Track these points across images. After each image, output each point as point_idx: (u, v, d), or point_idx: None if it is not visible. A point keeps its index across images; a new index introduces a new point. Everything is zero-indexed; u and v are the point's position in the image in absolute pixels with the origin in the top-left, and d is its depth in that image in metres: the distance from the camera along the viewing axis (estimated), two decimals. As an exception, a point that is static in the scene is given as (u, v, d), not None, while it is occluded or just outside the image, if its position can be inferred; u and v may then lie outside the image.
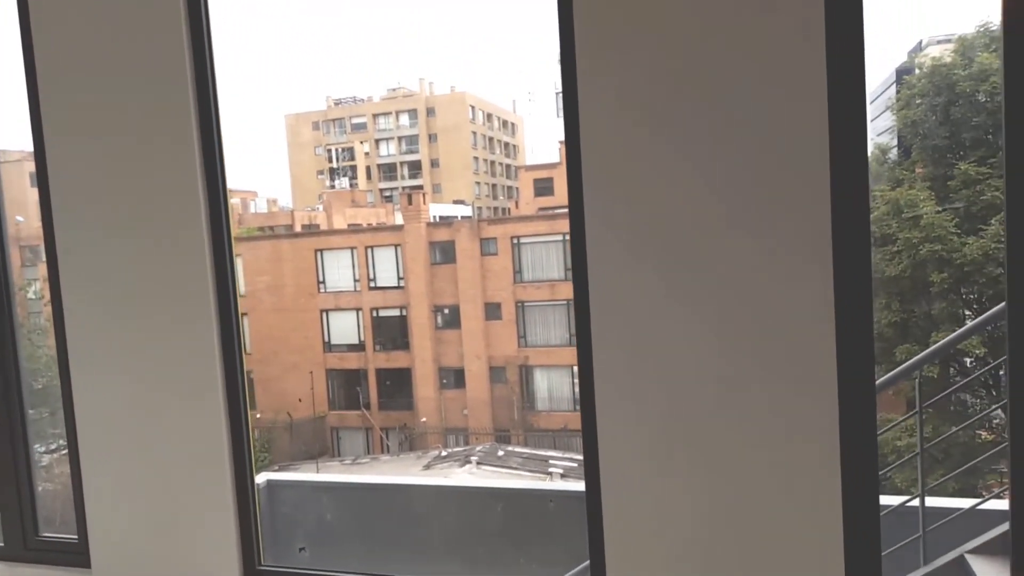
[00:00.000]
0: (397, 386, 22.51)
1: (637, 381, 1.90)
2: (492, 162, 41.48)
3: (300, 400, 20.88)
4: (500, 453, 15.10)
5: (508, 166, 42.00)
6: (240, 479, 2.43)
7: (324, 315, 22.84)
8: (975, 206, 12.69)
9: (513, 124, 43.73)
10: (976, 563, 2.90)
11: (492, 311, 21.42)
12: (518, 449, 16.24)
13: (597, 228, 1.90)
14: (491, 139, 41.78)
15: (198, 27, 2.29)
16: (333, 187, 39.52)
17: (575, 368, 2.05)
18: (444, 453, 16.70)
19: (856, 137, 1.78)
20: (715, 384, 1.84)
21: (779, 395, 1.81)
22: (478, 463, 13.41)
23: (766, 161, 1.77)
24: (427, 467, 14.59)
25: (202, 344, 2.35)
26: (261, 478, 5.77)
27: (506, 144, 42.97)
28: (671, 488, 1.91)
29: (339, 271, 22.80)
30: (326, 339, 22.99)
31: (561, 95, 1.98)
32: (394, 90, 41.73)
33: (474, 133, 40.60)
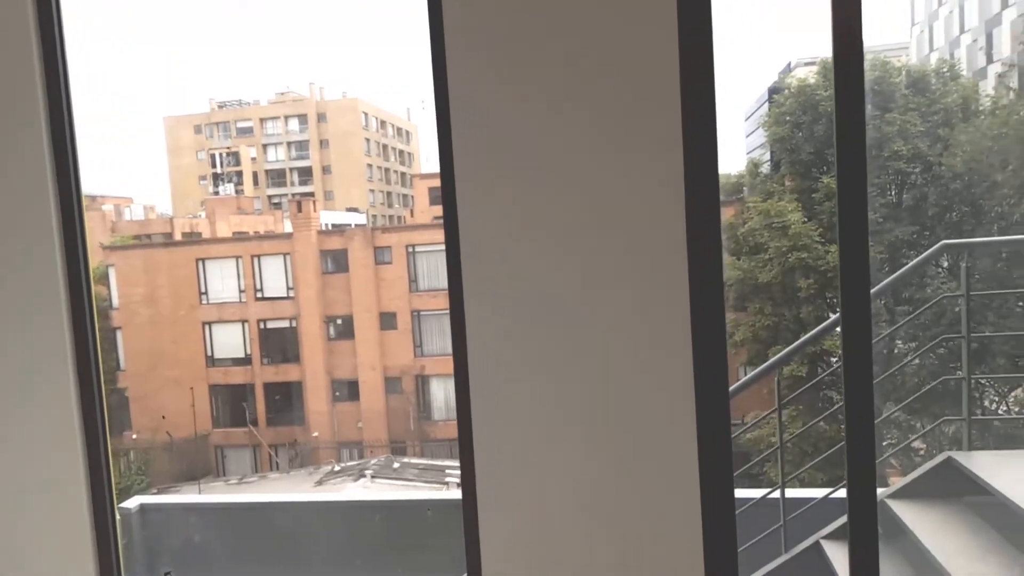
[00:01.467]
0: (287, 400, 21.74)
1: (512, 387, 1.94)
2: (387, 169, 40.95)
3: (164, 417, 19.70)
4: (396, 465, 14.90)
5: (403, 174, 41.63)
6: (99, 505, 2.28)
7: (206, 328, 21.75)
8: (836, 217, 13.71)
9: (408, 132, 43.41)
10: (830, 548, 3.14)
11: (387, 321, 21.10)
12: (415, 460, 16.08)
13: (470, 241, 1.92)
14: (385, 146, 41.25)
15: (48, 23, 2.16)
16: (217, 193, 37.80)
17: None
18: (337, 468, 16.30)
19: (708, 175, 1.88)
20: (585, 385, 1.90)
21: (641, 394, 1.88)
22: (373, 477, 13.18)
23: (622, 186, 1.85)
24: (319, 483, 14.20)
25: (53, 360, 2.20)
26: (134, 502, 5.44)
27: (401, 152, 42.59)
28: (546, 491, 1.95)
29: (223, 281, 21.80)
30: (209, 353, 21.89)
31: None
32: (282, 94, 40.47)
33: (368, 140, 39.96)
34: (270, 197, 39.05)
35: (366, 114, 39.94)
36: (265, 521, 4.84)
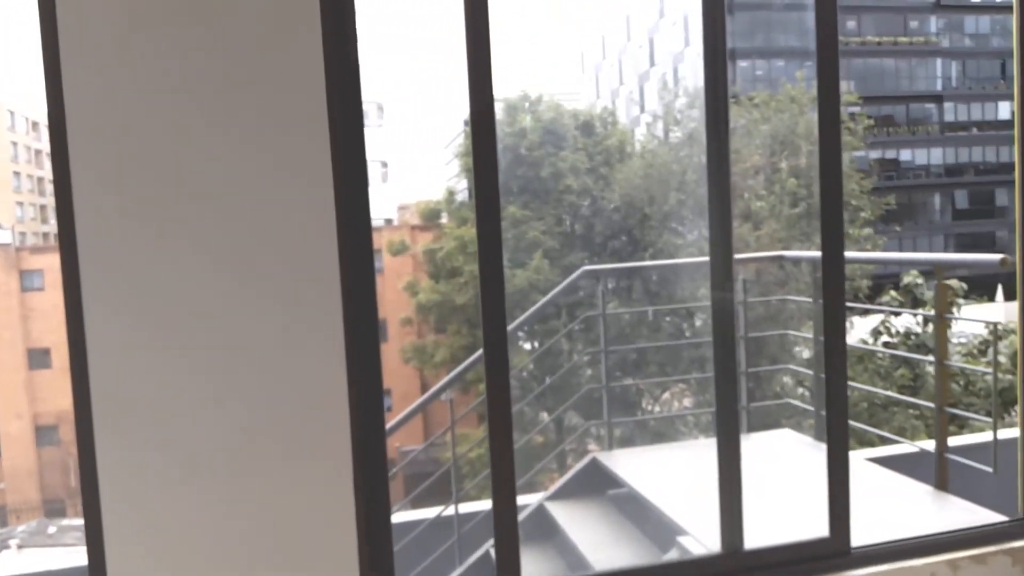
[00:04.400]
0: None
1: (144, 427, 1.80)
2: (41, 179, 34.70)
3: None
4: (52, 530, 12.72)
5: (64, 185, 35.65)
6: None
7: None
8: (522, 242, 15.10)
9: (70, 137, 37.31)
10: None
11: (38, 358, 17.90)
12: (77, 522, 13.89)
13: (94, 268, 1.75)
14: (39, 152, 34.93)
15: None
16: None
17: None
18: (-31, 542, 13.44)
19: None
20: (223, 409, 1.82)
21: (292, 416, 1.85)
22: (21, 546, 11.08)
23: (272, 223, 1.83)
24: (-58, 564, 11.56)
25: None
26: None
27: (62, 160, 36.44)
28: (181, 522, 1.83)
29: None
30: None
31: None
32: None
33: (14, 144, 33.66)
34: None
35: (13, 113, 33.60)
36: None
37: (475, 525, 3.53)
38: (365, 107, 2.11)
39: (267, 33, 1.80)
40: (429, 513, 3.66)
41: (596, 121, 16.82)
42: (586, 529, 3.36)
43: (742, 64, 30.55)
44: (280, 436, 1.85)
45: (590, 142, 16.11)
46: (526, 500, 3.86)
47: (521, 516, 3.65)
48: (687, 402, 14.86)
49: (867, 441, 8.43)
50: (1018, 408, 2.53)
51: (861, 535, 2.39)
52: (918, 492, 3.21)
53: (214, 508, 1.84)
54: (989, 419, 3.09)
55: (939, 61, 33.77)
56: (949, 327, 8.91)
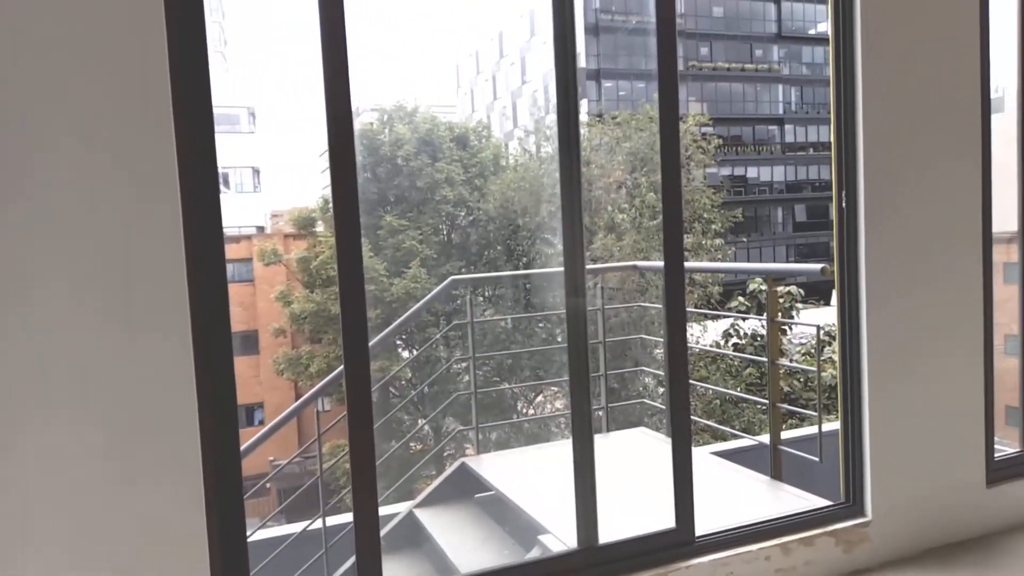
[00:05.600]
0: None
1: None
2: None
3: None
4: None
5: None
6: None
7: None
8: (399, 251, 15.01)
9: None
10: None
11: None
12: None
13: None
14: None
15: None
16: None
17: None
18: None
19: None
20: (59, 431, 1.72)
21: (134, 436, 1.79)
22: None
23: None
24: None
25: None
26: None
27: None
28: (12, 557, 1.73)
29: None
30: None
31: None
32: None
33: None
34: None
35: None
36: None
37: (344, 537, 3.50)
38: (235, 112, 2.07)
39: (108, 36, 1.74)
40: (302, 527, 3.59)
41: (471, 134, 17.02)
42: (454, 533, 3.42)
43: (607, 84, 32.02)
44: (122, 458, 1.78)
45: (466, 154, 16.27)
46: (397, 508, 3.86)
47: (391, 525, 3.65)
48: (559, 404, 15.28)
49: (721, 436, 9.04)
50: (839, 405, 2.82)
51: (706, 524, 2.58)
52: (756, 482, 3.50)
53: (50, 541, 1.74)
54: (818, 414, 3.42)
55: (781, 87, 37.04)
56: (783, 330, 9.74)
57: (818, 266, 3.15)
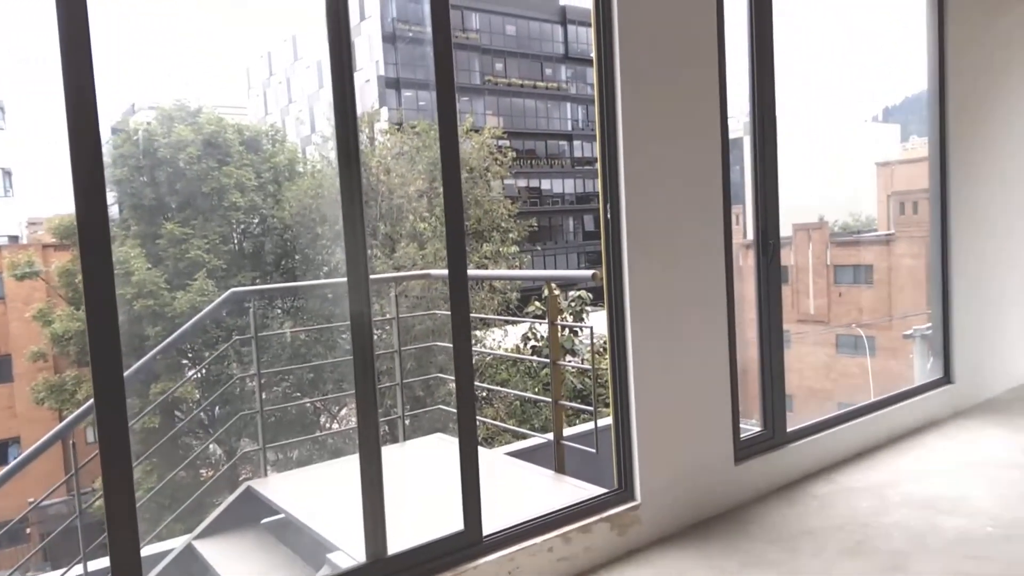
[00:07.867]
0: None
1: None
2: None
3: None
4: None
5: None
6: None
7: None
8: (182, 262, 13.88)
9: None
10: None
11: None
12: None
13: None
14: None
15: None
16: None
17: None
18: None
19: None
20: None
21: None
22: None
23: None
24: None
25: None
26: None
27: None
28: None
29: None
30: None
31: None
32: None
33: None
34: None
35: None
36: None
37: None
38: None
39: None
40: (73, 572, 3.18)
41: (263, 137, 16.20)
42: (239, 562, 3.22)
43: (407, 93, 32.19)
44: None
45: (258, 158, 15.46)
46: (173, 544, 3.56)
47: (165, 562, 3.36)
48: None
49: (522, 436, 9.40)
50: (610, 399, 3.05)
51: (495, 523, 2.66)
52: (542, 477, 3.68)
53: None
54: (604, 409, 3.67)
55: (568, 105, 39.75)
56: (575, 331, 10.38)
57: (590, 272, 3.38)
